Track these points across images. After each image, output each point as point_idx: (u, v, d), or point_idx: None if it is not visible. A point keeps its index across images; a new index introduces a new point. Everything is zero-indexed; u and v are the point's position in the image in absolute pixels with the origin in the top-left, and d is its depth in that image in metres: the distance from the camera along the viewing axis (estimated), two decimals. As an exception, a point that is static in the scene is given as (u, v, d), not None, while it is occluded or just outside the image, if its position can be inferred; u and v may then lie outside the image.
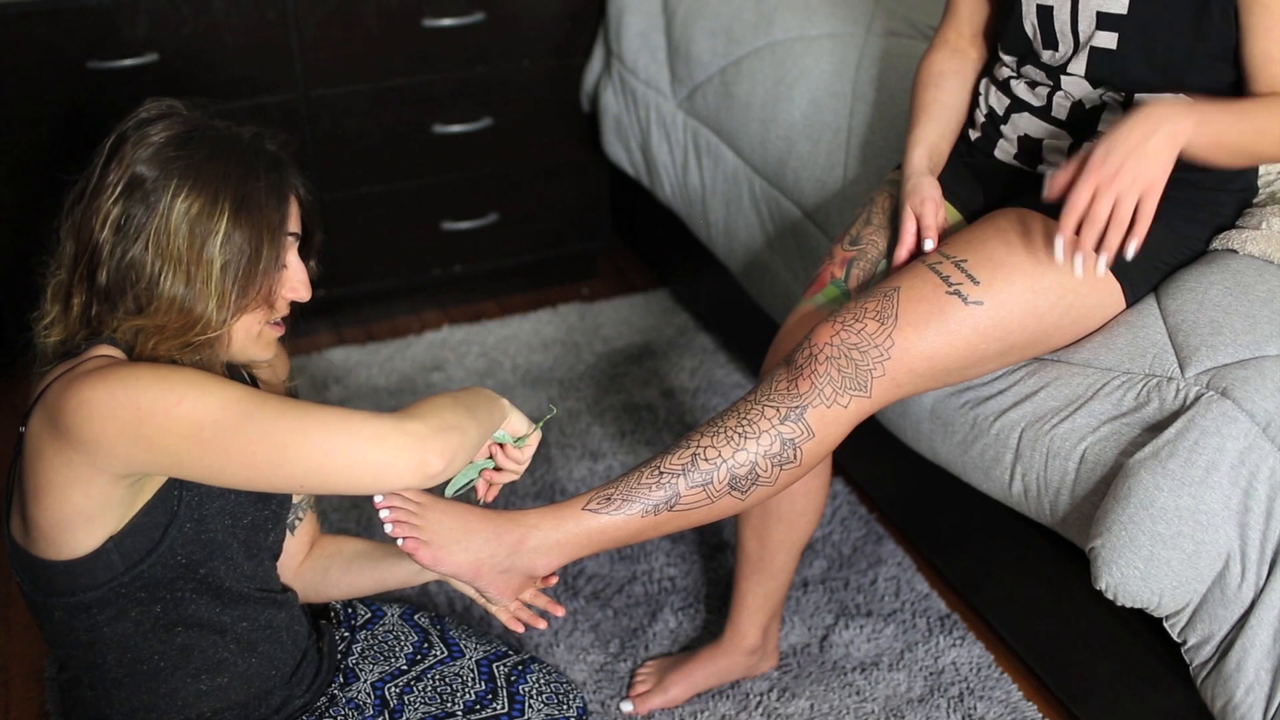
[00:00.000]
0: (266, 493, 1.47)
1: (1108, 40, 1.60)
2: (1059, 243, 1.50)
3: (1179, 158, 1.49)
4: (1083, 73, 1.64)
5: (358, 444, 1.27)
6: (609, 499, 1.53)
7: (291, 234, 1.40)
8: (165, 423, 1.24)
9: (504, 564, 1.49)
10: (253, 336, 1.39)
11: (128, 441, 1.24)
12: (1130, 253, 1.48)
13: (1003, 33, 1.73)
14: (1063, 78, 1.67)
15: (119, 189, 1.31)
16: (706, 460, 1.54)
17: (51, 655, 2.01)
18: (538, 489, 2.38)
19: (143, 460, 1.26)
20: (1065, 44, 1.64)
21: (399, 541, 1.44)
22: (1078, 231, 1.49)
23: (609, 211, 3.09)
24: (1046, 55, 1.67)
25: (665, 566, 2.22)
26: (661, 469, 1.54)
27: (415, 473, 1.29)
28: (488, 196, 2.90)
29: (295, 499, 1.60)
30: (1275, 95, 1.54)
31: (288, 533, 1.60)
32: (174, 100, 1.39)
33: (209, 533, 1.39)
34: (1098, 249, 1.49)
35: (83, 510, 1.29)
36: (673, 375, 2.72)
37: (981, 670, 2.01)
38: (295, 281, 1.41)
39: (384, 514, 1.44)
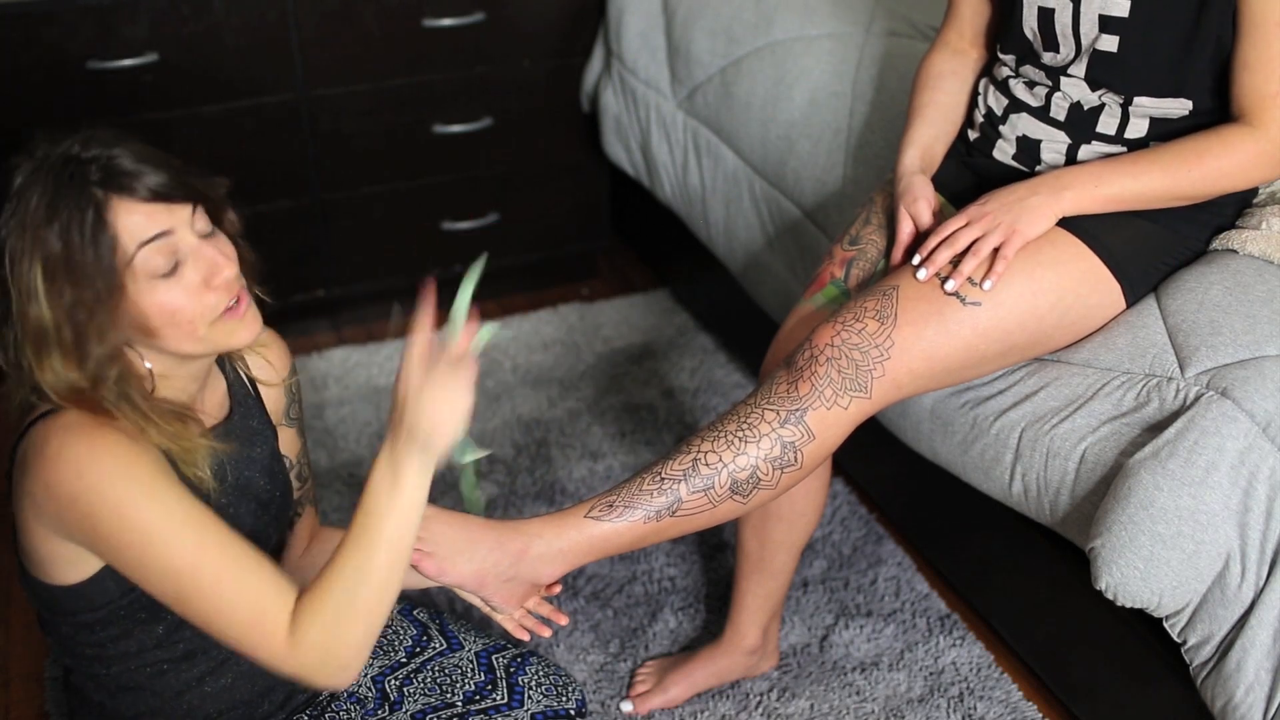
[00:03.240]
0: (266, 501, 1.48)
1: (1109, 43, 1.60)
2: (916, 258, 1.60)
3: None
4: (1083, 75, 1.64)
5: (247, 638, 1.28)
6: (611, 506, 1.53)
7: (159, 235, 1.27)
8: (107, 531, 1.26)
9: (508, 573, 1.49)
10: (199, 337, 1.31)
11: (74, 529, 1.28)
12: (987, 286, 1.56)
13: (1002, 33, 1.73)
14: (1062, 79, 1.66)
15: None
16: (707, 465, 1.54)
17: (53, 656, 2.02)
18: (538, 489, 2.38)
19: (87, 545, 1.29)
20: (1066, 46, 1.64)
21: None
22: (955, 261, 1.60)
23: (609, 211, 3.09)
24: (1047, 57, 1.67)
25: (665, 566, 2.22)
26: (663, 475, 1.54)
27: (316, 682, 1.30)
28: (488, 196, 2.89)
29: (294, 495, 1.60)
30: (1194, 140, 1.58)
31: (286, 530, 1.61)
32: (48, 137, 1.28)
33: None
34: (952, 274, 1.57)
35: (63, 554, 1.32)
36: (673, 375, 2.72)
37: (981, 670, 2.01)
38: (207, 262, 1.30)
39: None
